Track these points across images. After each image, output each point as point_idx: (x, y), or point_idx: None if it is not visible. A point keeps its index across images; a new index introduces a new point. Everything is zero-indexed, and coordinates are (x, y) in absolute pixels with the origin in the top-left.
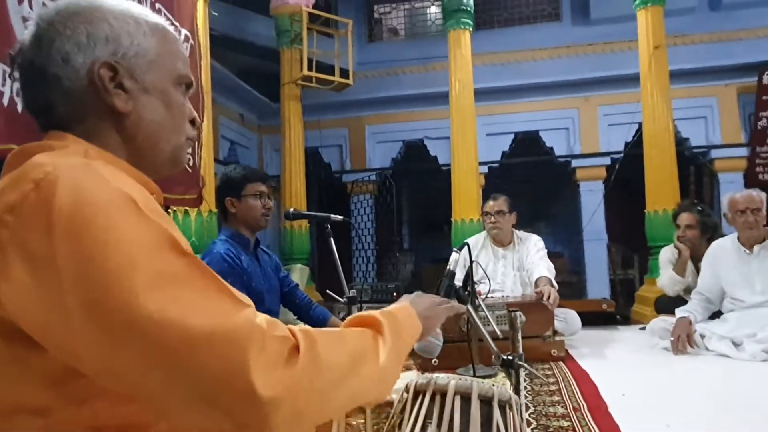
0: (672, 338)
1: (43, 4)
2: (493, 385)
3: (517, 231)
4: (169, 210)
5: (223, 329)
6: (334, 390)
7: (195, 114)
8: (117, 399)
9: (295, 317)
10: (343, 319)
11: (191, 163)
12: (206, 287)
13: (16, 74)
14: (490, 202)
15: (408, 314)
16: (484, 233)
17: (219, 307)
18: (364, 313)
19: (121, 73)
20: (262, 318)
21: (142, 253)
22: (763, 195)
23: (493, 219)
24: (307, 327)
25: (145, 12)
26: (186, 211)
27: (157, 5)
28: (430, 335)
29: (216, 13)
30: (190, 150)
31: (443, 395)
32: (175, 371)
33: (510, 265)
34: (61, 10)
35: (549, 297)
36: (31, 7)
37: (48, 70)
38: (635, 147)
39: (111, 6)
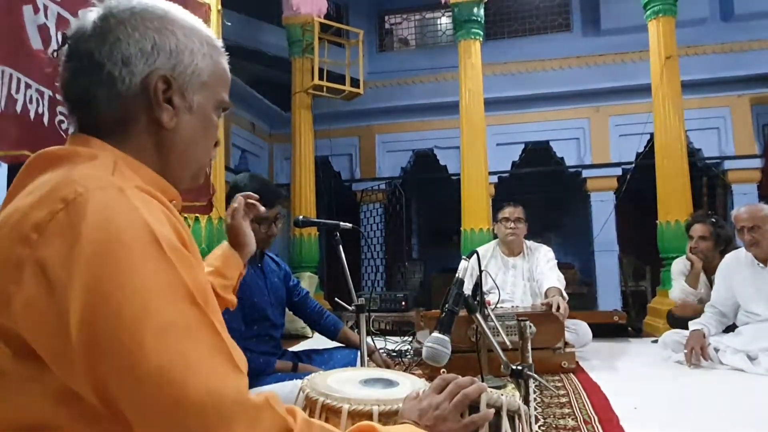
0: (685, 350)
1: (58, 14)
2: (503, 395)
3: (526, 241)
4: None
5: (216, 398)
6: None
7: (218, 137)
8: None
9: (305, 326)
10: (351, 327)
11: None
12: (209, 347)
13: (65, 57)
14: (510, 208)
15: None
16: (494, 242)
17: (218, 371)
18: (372, 427)
19: (174, 89)
20: (264, 396)
21: (156, 301)
22: None
23: (512, 225)
24: (311, 419)
25: (209, 33)
26: (196, 218)
27: None
28: (438, 343)
29: (229, 23)
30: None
31: None
32: (162, 423)
33: (520, 275)
34: (136, 11)
35: (558, 308)
36: (46, 17)
37: (105, 67)
38: (647, 157)
39: (182, 21)
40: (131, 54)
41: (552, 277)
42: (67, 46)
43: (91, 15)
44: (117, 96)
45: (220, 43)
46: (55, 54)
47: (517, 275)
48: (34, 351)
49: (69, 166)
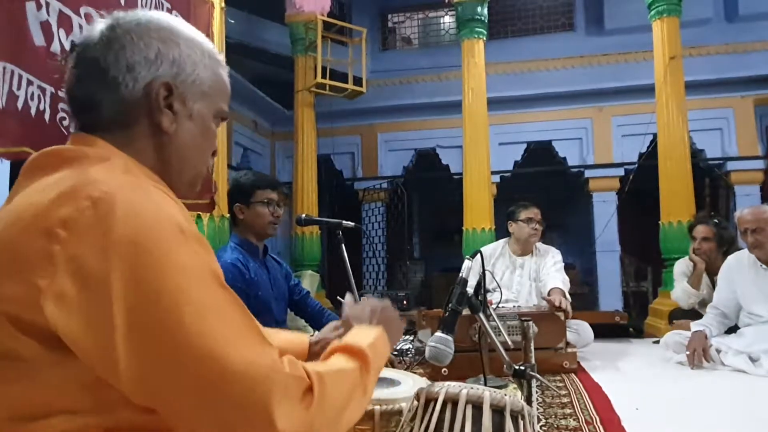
0: (687, 352)
1: (60, 11)
2: (506, 395)
3: (537, 242)
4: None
5: (255, 368)
6: (334, 425)
7: (216, 147)
8: (142, 408)
9: (306, 324)
10: None
11: None
12: (241, 324)
13: (72, 64)
14: (535, 209)
15: (385, 343)
16: (503, 241)
17: (252, 345)
18: (353, 343)
19: (175, 96)
20: (285, 359)
21: (191, 284)
22: None
23: (536, 226)
24: (320, 368)
25: (211, 46)
26: (198, 216)
27: (174, 12)
28: (442, 343)
29: (232, 21)
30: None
31: (454, 404)
32: (208, 400)
33: (527, 275)
34: (142, 22)
35: (560, 303)
36: (48, 14)
37: (109, 72)
38: (649, 158)
39: (186, 33)
40: (135, 61)
41: (557, 279)
42: (74, 53)
43: (98, 25)
44: (120, 100)
45: (221, 56)
46: (62, 61)
47: (523, 275)
48: (60, 341)
49: (83, 166)
